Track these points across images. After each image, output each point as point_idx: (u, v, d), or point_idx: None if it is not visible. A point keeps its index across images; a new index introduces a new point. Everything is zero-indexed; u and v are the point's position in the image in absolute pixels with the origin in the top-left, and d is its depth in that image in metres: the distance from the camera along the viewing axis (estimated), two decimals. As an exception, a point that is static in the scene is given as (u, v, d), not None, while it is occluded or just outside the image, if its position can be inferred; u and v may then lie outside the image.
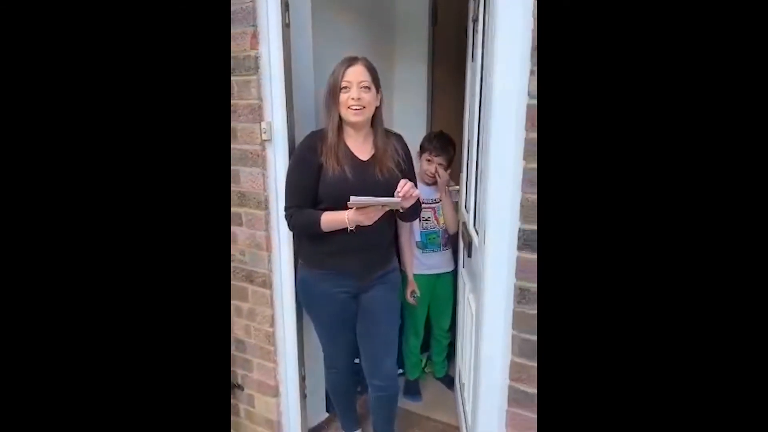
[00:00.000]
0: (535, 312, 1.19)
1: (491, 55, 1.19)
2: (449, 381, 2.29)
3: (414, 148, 2.39)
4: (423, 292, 2.09)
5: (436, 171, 1.99)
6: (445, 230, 2.09)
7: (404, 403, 2.18)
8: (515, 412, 1.28)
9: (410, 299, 2.06)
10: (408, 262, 2.05)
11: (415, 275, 2.07)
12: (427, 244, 2.11)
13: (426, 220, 2.09)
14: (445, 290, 2.17)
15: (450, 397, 2.19)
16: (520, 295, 1.20)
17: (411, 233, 2.05)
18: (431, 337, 2.30)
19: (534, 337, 1.20)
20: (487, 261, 1.26)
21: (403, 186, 1.37)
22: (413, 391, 2.26)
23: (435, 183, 2.04)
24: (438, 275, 2.14)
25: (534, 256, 1.16)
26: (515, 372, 1.26)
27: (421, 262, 2.10)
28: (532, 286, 1.18)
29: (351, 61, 1.41)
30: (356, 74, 1.39)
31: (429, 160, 2.01)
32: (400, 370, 2.31)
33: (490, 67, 1.19)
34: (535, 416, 1.24)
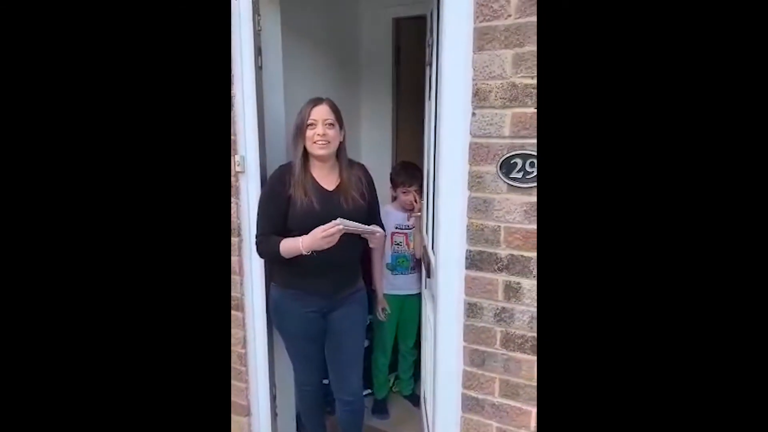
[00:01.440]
0: (482, 324, 1.33)
1: (439, 98, 1.36)
2: (416, 399, 2.39)
3: (380, 177, 2.56)
4: (391, 311, 2.22)
5: (414, 199, 2.14)
6: (414, 254, 2.23)
7: (372, 421, 2.27)
8: (468, 418, 1.40)
9: (381, 316, 2.19)
10: (378, 281, 2.18)
11: (384, 295, 2.20)
12: (396, 266, 2.24)
13: (398, 244, 2.23)
14: (411, 310, 2.30)
15: (416, 415, 2.29)
16: (469, 309, 1.34)
17: (382, 255, 2.19)
18: (399, 354, 2.41)
19: (482, 347, 1.34)
20: (440, 280, 1.41)
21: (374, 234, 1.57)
22: (381, 409, 2.35)
23: (413, 209, 2.17)
24: (406, 296, 2.27)
25: (479, 274, 1.31)
26: (467, 380, 1.38)
27: (391, 283, 2.23)
28: (479, 301, 1.32)
29: (317, 101, 1.56)
30: (321, 113, 1.54)
31: (405, 192, 2.15)
32: (369, 390, 2.41)
33: (439, 109, 1.36)
34: (484, 420, 1.37)
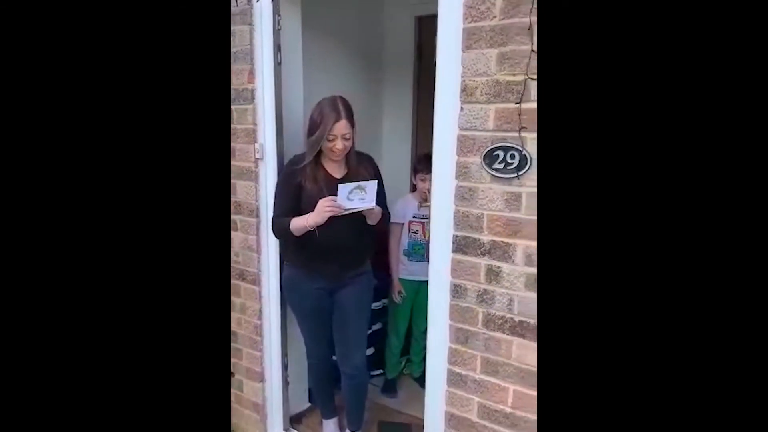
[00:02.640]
0: (466, 305, 1.43)
1: (435, 94, 1.45)
2: (424, 381, 2.50)
3: (401, 167, 2.66)
4: (406, 295, 2.35)
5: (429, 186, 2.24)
6: (429, 243, 2.34)
7: (381, 399, 2.41)
8: (452, 392, 1.51)
9: (396, 298, 2.34)
10: (394, 266, 2.32)
11: (400, 279, 2.34)
12: (412, 253, 2.35)
13: (414, 232, 2.34)
14: (425, 296, 2.37)
15: (423, 395, 2.38)
16: (455, 290, 1.44)
17: (398, 241, 2.32)
18: (412, 338, 2.53)
19: (466, 326, 1.44)
20: (432, 263, 1.51)
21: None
22: (391, 389, 2.48)
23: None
24: (420, 282, 2.36)
25: (464, 258, 1.41)
26: (452, 357, 1.49)
27: (407, 269, 2.35)
28: (463, 283, 1.42)
29: (337, 116, 1.64)
30: (341, 128, 1.65)
31: (423, 180, 2.25)
32: (381, 371, 2.55)
33: (435, 104, 1.46)
34: (466, 395, 1.47)
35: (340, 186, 1.60)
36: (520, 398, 1.37)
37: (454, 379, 1.50)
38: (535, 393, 1.34)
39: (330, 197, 1.60)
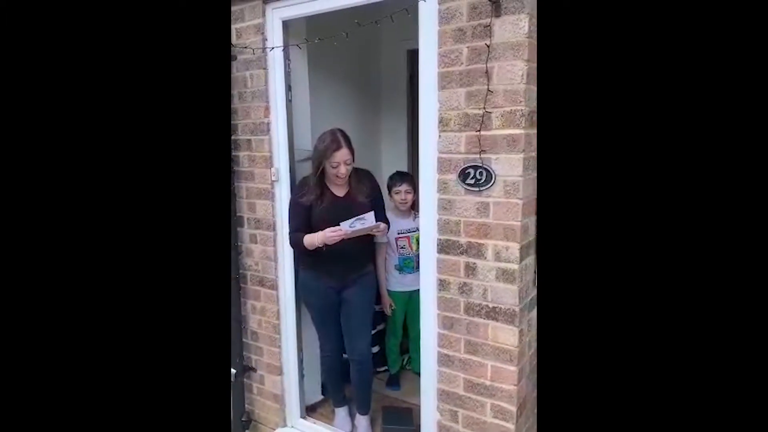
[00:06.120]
0: (450, 296, 1.73)
1: (419, 124, 1.78)
2: (424, 375, 2.78)
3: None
4: (400, 304, 2.64)
5: (404, 197, 2.51)
6: (418, 255, 2.61)
7: (386, 392, 2.70)
8: (442, 371, 1.80)
9: (387, 311, 2.62)
10: (382, 282, 2.57)
11: (393, 291, 2.61)
12: (403, 267, 2.61)
13: (402, 248, 2.61)
14: (418, 302, 2.66)
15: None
16: (440, 284, 1.75)
17: (384, 259, 2.57)
18: (409, 339, 2.82)
19: (450, 314, 1.74)
20: (422, 263, 1.82)
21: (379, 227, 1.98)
22: (394, 382, 2.77)
23: (408, 210, 2.57)
24: (412, 291, 2.62)
25: (447, 257, 1.71)
26: (441, 340, 1.78)
27: (399, 281, 2.62)
28: (447, 277, 1.72)
29: (338, 145, 1.96)
30: (342, 156, 1.97)
31: (397, 192, 2.54)
32: (385, 367, 2.84)
33: (419, 132, 1.78)
34: (453, 372, 1.76)
35: (342, 223, 1.89)
36: (497, 372, 1.66)
37: (443, 360, 1.79)
38: (507, 367, 1.63)
39: (335, 228, 1.90)
